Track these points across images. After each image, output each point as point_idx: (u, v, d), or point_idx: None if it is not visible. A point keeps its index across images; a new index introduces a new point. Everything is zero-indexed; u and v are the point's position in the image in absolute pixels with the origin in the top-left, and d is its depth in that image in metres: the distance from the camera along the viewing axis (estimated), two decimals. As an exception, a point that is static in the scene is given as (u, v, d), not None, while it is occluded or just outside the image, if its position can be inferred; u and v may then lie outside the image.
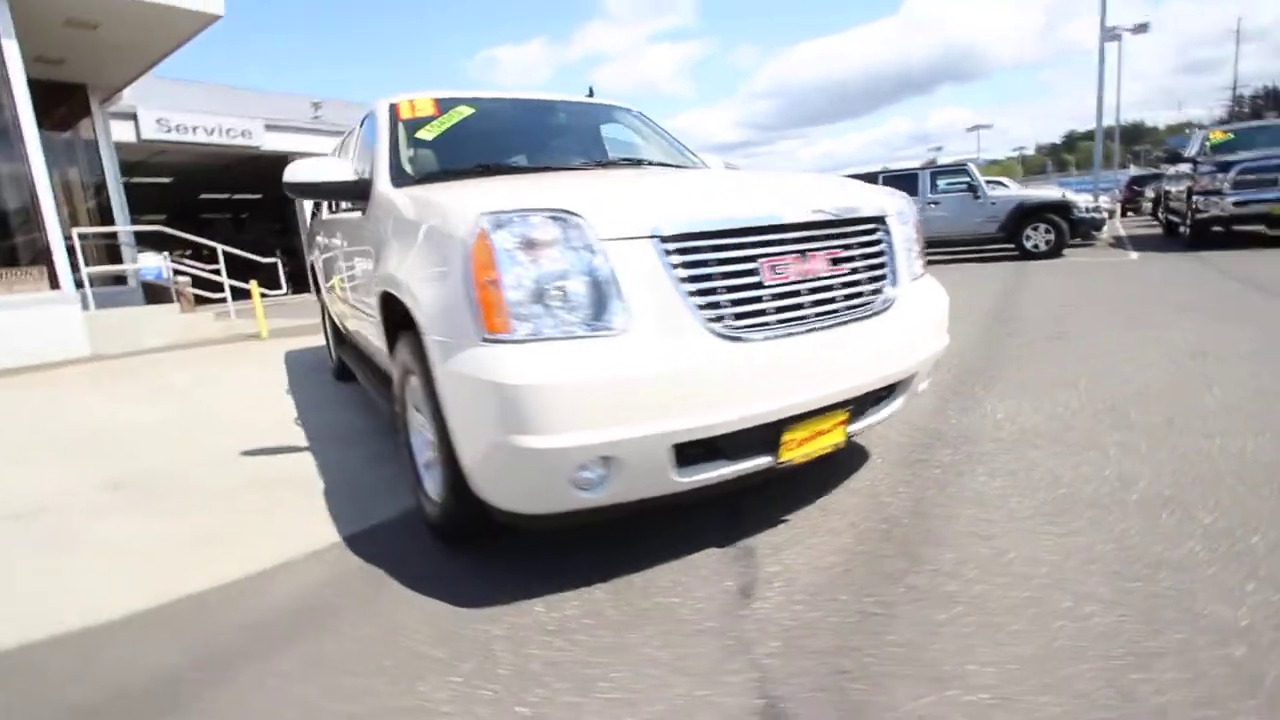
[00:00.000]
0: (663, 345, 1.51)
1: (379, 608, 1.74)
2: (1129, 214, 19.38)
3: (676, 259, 1.55)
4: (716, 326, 1.56)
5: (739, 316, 1.60)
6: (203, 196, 21.70)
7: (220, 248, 8.63)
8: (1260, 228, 8.49)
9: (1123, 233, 13.29)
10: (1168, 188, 11.48)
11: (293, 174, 2.42)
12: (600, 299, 1.50)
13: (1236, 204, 8.13)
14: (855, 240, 1.86)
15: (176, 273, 9.20)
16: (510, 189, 1.93)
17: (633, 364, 1.48)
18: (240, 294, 8.95)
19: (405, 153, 2.51)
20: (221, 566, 2.01)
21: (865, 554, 1.81)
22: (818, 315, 1.72)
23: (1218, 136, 9.67)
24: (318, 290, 4.92)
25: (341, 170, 2.45)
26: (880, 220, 1.95)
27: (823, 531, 1.95)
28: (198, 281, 9.07)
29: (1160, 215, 13.08)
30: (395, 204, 2.17)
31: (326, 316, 4.49)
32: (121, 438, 3.57)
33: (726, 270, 1.61)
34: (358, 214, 2.63)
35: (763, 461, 1.71)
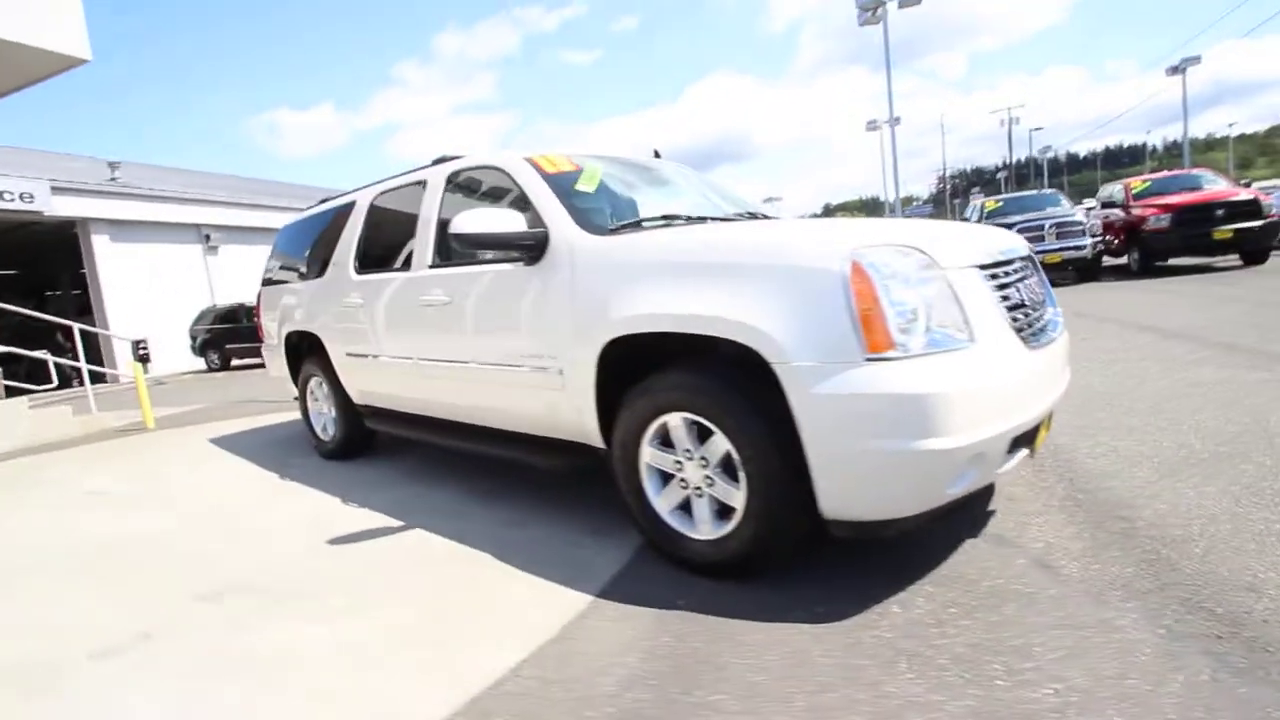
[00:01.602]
0: (1002, 355, 1.81)
1: (747, 641, 1.74)
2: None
3: (992, 284, 1.88)
4: (1023, 338, 1.90)
5: (1018, 331, 1.96)
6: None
7: (76, 326, 7.02)
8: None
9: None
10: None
11: (467, 225, 2.36)
12: (953, 318, 1.77)
13: (1019, 256, 10.52)
14: (1035, 271, 2.34)
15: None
16: (819, 229, 2.16)
17: (990, 370, 1.76)
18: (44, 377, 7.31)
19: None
20: (514, 640, 1.83)
21: (1088, 522, 2.21)
22: (1043, 330, 2.14)
23: (991, 204, 12.45)
24: (296, 364, 4.38)
25: (516, 221, 2.42)
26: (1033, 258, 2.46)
27: (1033, 514, 2.32)
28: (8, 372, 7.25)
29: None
30: (629, 248, 2.24)
31: (334, 389, 4.02)
32: (131, 552, 2.87)
33: (1006, 293, 1.97)
34: (510, 265, 2.57)
35: (1024, 453, 2.05)
